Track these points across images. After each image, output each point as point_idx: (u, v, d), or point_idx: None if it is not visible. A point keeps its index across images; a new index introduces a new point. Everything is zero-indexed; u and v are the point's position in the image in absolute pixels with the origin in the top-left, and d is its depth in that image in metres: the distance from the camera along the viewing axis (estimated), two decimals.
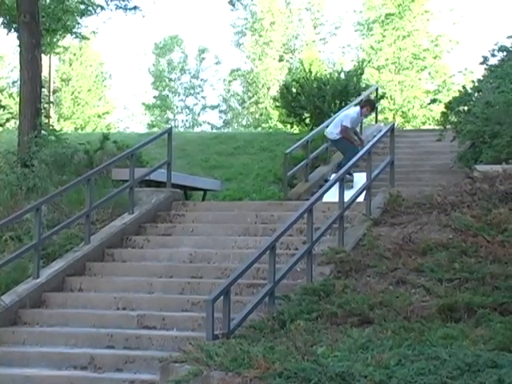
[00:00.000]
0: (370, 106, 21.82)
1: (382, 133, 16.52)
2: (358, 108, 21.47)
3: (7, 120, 57.46)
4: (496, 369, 7.05)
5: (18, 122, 22.77)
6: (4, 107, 61.18)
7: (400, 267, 12.42)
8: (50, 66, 43.51)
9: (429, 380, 6.90)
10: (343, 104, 26.72)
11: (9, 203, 16.76)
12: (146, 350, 11.78)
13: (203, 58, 75.90)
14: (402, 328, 9.91)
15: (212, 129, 70.52)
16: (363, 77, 31.26)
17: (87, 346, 12.14)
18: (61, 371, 11.45)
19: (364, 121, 26.88)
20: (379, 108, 31.44)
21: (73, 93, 66.84)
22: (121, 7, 30.31)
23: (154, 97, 74.91)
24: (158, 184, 17.46)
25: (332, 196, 13.88)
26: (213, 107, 75.48)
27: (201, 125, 74.38)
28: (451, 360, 7.36)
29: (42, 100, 23.61)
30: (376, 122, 29.24)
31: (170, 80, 75.22)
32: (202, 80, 76.13)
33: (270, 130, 47.16)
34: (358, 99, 26.61)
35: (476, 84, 22.76)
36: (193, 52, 76.00)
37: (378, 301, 11.24)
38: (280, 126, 37.65)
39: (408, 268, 12.35)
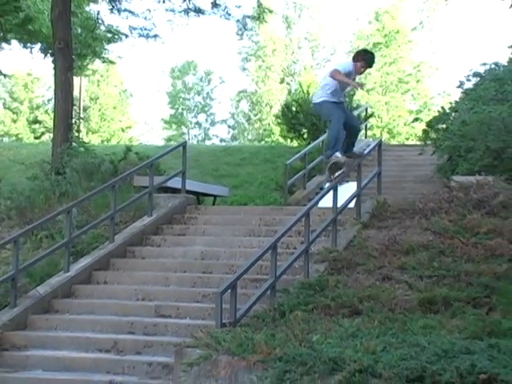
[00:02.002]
0: (364, 60, 14.96)
1: (370, 147, 16.47)
2: (350, 60, 15.25)
3: (43, 133, 57.57)
4: (469, 355, 7.04)
5: (52, 135, 22.76)
6: (40, 122, 61.59)
7: (386, 265, 12.40)
8: (81, 86, 43.65)
9: (410, 364, 6.89)
10: None
11: (43, 206, 16.77)
12: (162, 336, 11.78)
13: (210, 79, 75.95)
14: (387, 319, 9.89)
15: (221, 142, 70.57)
16: (354, 98, 31.18)
17: (111, 331, 12.15)
18: (88, 353, 11.47)
19: None
20: (368, 125, 31.21)
21: (100, 109, 66.96)
22: (143, 35, 30.39)
23: (171, 115, 74.95)
24: (174, 190, 17.45)
25: (327, 202, 13.85)
26: (222, 121, 75.50)
27: (211, 139, 74.47)
28: (430, 347, 7.34)
29: (74, 116, 23.65)
30: (365, 137, 29.23)
31: (185, 99, 75.24)
32: (211, 99, 76.19)
33: (273, 144, 47.17)
34: None
35: (453, 105, 22.74)
36: (205, 74, 76.08)
37: (366, 294, 11.22)
38: (281, 140, 37.61)
39: (393, 266, 12.33)
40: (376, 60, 15.58)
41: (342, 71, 14.60)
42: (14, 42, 35.45)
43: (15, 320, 12.67)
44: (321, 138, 23.55)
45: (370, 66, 15.39)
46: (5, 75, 47.57)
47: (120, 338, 11.83)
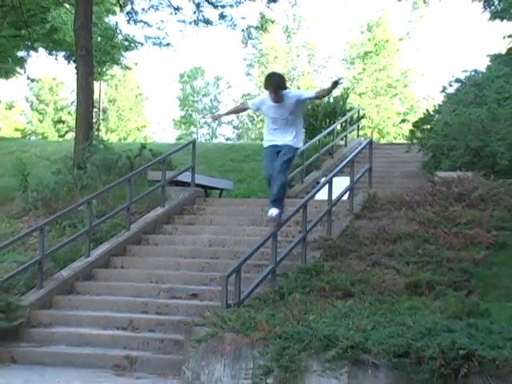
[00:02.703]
0: (269, 87, 12.07)
1: (361, 146, 16.46)
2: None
3: (66, 132, 57.60)
4: (450, 333, 7.05)
5: (74, 134, 22.76)
6: (64, 122, 61.55)
7: (376, 252, 12.40)
8: (100, 89, 43.63)
9: (397, 341, 6.90)
10: (332, 122, 26.61)
11: (67, 198, 16.77)
12: (173, 315, 11.77)
13: (218, 84, 75.93)
14: (377, 300, 9.89)
15: (227, 141, 70.37)
16: (348, 101, 31.11)
17: (127, 311, 12.16)
18: (106, 330, 11.50)
19: (348, 136, 26.75)
20: (360, 125, 31.11)
21: (117, 111, 66.98)
22: (157, 44, 30.39)
23: (181, 116, 74.90)
24: (184, 184, 17.43)
25: (322, 195, 13.84)
26: (228, 122, 75.57)
27: (218, 137, 74.39)
28: (415, 326, 7.35)
29: (94, 116, 23.65)
30: (358, 137, 29.19)
31: (194, 102, 75.16)
32: (218, 102, 76.13)
33: None
34: (344, 119, 26.62)
35: (437, 108, 22.73)
36: (211, 79, 76.06)
37: (358, 279, 11.23)
38: None
39: (382, 253, 12.34)
40: (275, 78, 12.10)
41: (251, 104, 12.80)
42: (41, 50, 35.53)
43: (41, 300, 12.70)
44: (317, 138, 23.52)
45: (274, 87, 11.74)
46: (32, 80, 47.62)
47: (135, 317, 11.84)
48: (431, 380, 6.58)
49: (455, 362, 6.58)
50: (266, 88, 11.93)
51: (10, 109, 62.47)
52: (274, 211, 11.94)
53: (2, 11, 28.69)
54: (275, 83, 11.80)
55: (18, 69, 37.97)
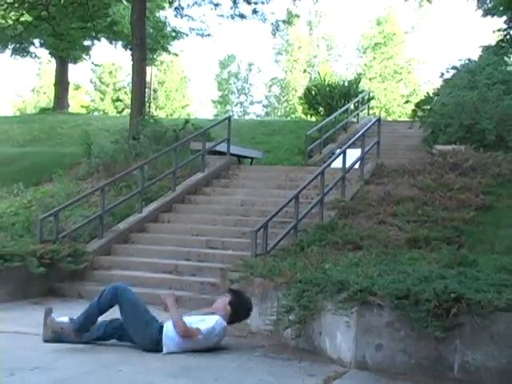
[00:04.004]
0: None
1: (371, 123, 16.41)
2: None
3: (123, 109, 57.58)
4: (443, 279, 7.03)
5: (129, 110, 22.82)
6: (121, 100, 61.52)
7: (382, 212, 12.38)
8: (152, 73, 43.55)
9: (399, 286, 6.89)
10: (346, 102, 26.45)
11: (123, 163, 16.84)
12: (211, 262, 11.85)
13: (250, 69, 75.54)
14: (382, 252, 9.89)
15: (257, 117, 70.10)
16: (360, 84, 30.92)
17: (172, 258, 12.25)
18: (155, 274, 11.61)
19: (360, 114, 26.63)
20: (370, 105, 30.92)
21: (165, 91, 66.88)
22: (199, 34, 30.31)
23: (218, 96, 74.67)
24: (221, 153, 17.43)
25: (337, 164, 13.80)
26: (258, 102, 75.15)
27: (249, 114, 74.07)
28: (414, 273, 7.34)
29: (146, 96, 23.66)
30: (368, 115, 29.02)
31: (229, 84, 74.88)
32: (250, 84, 75.79)
33: (296, 119, 46.85)
34: (356, 99, 26.43)
35: (435, 91, 22.64)
36: (245, 65, 75.75)
37: (366, 234, 11.23)
38: (303, 116, 37.30)
39: (387, 213, 12.31)
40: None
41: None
42: (103, 40, 35.70)
43: (102, 248, 12.84)
44: (333, 115, 23.46)
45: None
46: (96, 65, 47.86)
47: (179, 263, 11.94)
48: (427, 318, 6.59)
49: (447, 304, 6.58)
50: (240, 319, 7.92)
51: (77, 89, 62.68)
52: None
53: (72, 7, 28.84)
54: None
55: (84, 55, 38.17)
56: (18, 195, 15.89)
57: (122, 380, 6.28)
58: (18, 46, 33.88)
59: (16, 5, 28.88)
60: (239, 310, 6.96)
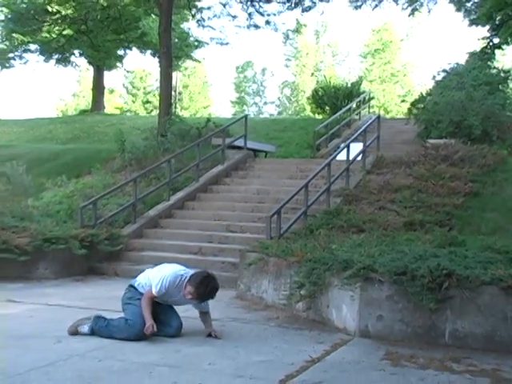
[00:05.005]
0: (193, 291, 6.55)
1: (371, 120, 16.32)
2: (184, 278, 6.74)
3: (152, 110, 57.57)
4: (436, 258, 7.02)
5: (158, 111, 22.83)
6: (150, 102, 61.49)
7: (381, 199, 12.35)
8: (177, 78, 43.59)
9: (397, 264, 6.89)
10: (349, 101, 26.32)
11: (153, 158, 16.84)
12: (231, 244, 11.88)
13: (264, 73, 75.29)
14: (382, 234, 9.89)
15: (270, 116, 69.90)
16: (361, 86, 30.71)
17: (197, 241, 12.28)
18: (182, 255, 11.59)
19: (361, 112, 26.49)
20: (370, 104, 30.72)
21: (189, 94, 66.81)
22: (219, 43, 30.29)
23: (236, 97, 74.52)
24: (239, 148, 17.39)
25: (342, 156, 13.76)
26: (271, 102, 74.98)
27: (263, 113, 73.89)
28: (410, 253, 7.33)
29: (172, 98, 23.66)
30: (368, 113, 28.85)
31: (245, 87, 74.72)
32: (264, 87, 75.55)
33: (305, 117, 46.70)
34: (358, 99, 26.32)
35: (428, 91, 22.51)
36: (259, 69, 75.55)
37: (368, 218, 11.23)
38: (311, 114, 37.14)
39: (386, 200, 12.28)
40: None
41: (158, 292, 6.71)
42: (134, 49, 35.76)
43: (135, 232, 12.89)
44: (338, 113, 23.38)
45: (199, 299, 6.74)
46: (128, 71, 47.96)
47: (203, 245, 11.97)
48: (421, 292, 6.59)
49: (439, 279, 6.59)
50: (198, 296, 6.67)
51: (111, 93, 62.71)
52: None
53: (107, 22, 28.99)
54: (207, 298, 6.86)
55: (118, 63, 38.26)
56: (62, 186, 15.95)
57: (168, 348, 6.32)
58: (60, 56, 34.04)
59: (59, 21, 29.35)
60: (200, 291, 6.64)
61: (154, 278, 6.78)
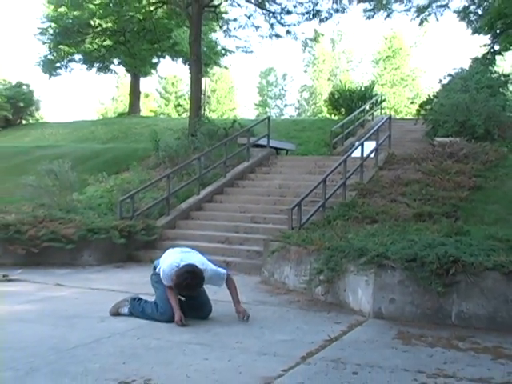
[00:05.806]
0: (174, 279, 6.39)
1: (383, 120, 16.23)
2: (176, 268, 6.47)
3: (183, 112, 57.61)
4: (443, 246, 6.98)
5: (188, 113, 22.86)
6: (181, 105, 61.63)
7: (393, 192, 12.27)
8: (206, 83, 43.57)
9: (408, 252, 6.86)
10: (363, 103, 26.14)
11: (184, 155, 16.88)
12: (255, 234, 11.85)
13: (285, 78, 75.09)
14: (394, 225, 9.80)
15: (291, 117, 69.76)
16: (374, 89, 30.50)
17: (224, 231, 12.29)
18: (211, 244, 11.63)
19: (374, 113, 26.34)
20: (382, 106, 30.52)
21: (217, 97, 66.87)
22: (244, 51, 30.22)
23: (259, 100, 74.41)
24: (262, 146, 17.36)
25: (357, 153, 13.70)
26: (291, 104, 74.76)
27: (284, 115, 73.68)
28: (420, 241, 7.29)
29: (201, 101, 23.69)
30: (380, 114, 28.64)
31: (268, 91, 74.57)
32: (285, 91, 75.36)
33: (322, 118, 46.50)
34: (371, 101, 26.17)
35: (435, 94, 22.37)
36: (280, 75, 75.28)
37: (381, 210, 11.16)
38: (328, 115, 36.97)
39: (397, 193, 12.20)
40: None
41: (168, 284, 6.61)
42: (167, 57, 35.89)
43: (169, 223, 12.93)
44: (353, 114, 23.26)
45: (177, 289, 6.53)
46: (161, 77, 48.04)
47: (230, 235, 11.97)
48: (430, 277, 6.57)
49: (446, 265, 6.56)
50: (177, 288, 6.49)
51: (146, 97, 62.85)
52: None
53: (143, 33, 29.22)
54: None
55: (152, 70, 38.44)
56: (103, 182, 16.06)
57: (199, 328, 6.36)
58: (101, 64, 34.35)
59: (100, 33, 29.87)
60: (177, 283, 6.56)
61: (161, 268, 6.72)
